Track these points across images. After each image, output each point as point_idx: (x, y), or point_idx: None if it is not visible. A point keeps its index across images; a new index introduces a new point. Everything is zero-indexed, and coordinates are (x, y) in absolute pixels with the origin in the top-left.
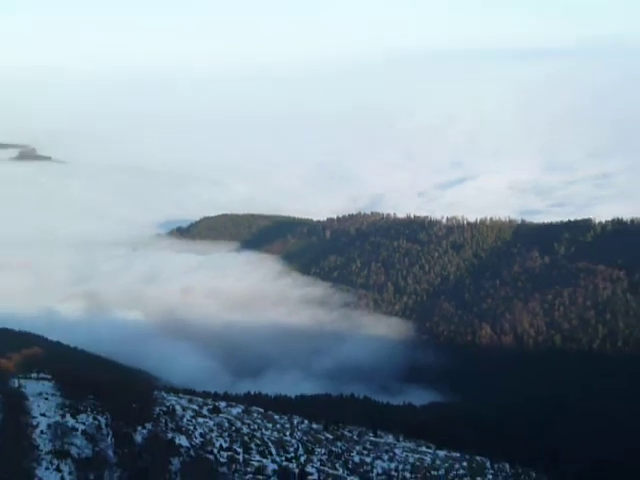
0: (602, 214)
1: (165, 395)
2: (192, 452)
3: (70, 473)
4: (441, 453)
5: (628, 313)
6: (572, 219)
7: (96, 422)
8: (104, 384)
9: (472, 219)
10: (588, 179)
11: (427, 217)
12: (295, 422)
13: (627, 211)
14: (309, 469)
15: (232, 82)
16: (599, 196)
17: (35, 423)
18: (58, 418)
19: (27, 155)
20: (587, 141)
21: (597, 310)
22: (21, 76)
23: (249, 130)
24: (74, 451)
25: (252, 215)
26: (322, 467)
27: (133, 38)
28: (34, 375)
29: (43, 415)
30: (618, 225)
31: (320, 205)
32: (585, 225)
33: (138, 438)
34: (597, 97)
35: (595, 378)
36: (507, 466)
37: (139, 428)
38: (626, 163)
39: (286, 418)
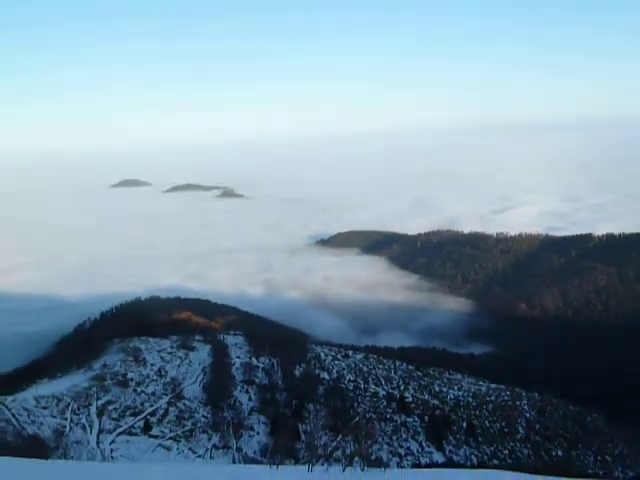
0: (599, 230)
1: (314, 346)
2: (331, 383)
3: (254, 394)
4: (492, 385)
5: (617, 295)
6: (579, 233)
7: (271, 362)
8: (276, 338)
9: (513, 234)
10: (589, 207)
11: (484, 232)
12: (397, 364)
13: (616, 228)
14: (406, 394)
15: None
16: (597, 218)
17: (233, 362)
18: (247, 359)
19: (227, 194)
20: (587, 183)
21: (596, 293)
22: (222, 139)
23: (366, 177)
24: (257, 380)
25: (370, 231)
26: (414, 394)
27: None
28: (232, 332)
29: (238, 357)
30: (610, 238)
31: (414, 224)
32: (588, 237)
33: (297, 373)
34: (592, 155)
35: (594, 337)
36: (536, 394)
37: (297, 366)
38: (615, 197)
39: (391, 361)
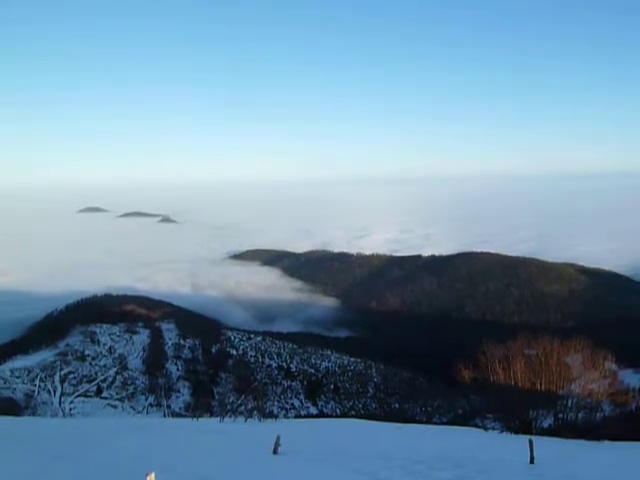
0: (426, 252)
1: (226, 331)
2: (238, 357)
3: (181, 366)
4: (352, 359)
5: (437, 297)
6: (412, 254)
7: (194, 342)
8: (198, 325)
9: (368, 253)
10: (419, 237)
11: (348, 252)
12: (285, 344)
13: (437, 251)
14: (291, 366)
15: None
16: (424, 244)
17: (166, 343)
18: (177, 341)
19: (165, 219)
20: (417, 221)
21: (423, 295)
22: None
23: (268, 214)
24: (183, 356)
25: (269, 249)
26: (297, 365)
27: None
28: (166, 320)
29: (170, 339)
30: (433, 257)
31: (300, 245)
32: (418, 257)
33: (213, 350)
34: (417, 202)
35: (421, 325)
36: (381, 365)
37: (213, 345)
38: (436, 230)
39: (282, 342)
